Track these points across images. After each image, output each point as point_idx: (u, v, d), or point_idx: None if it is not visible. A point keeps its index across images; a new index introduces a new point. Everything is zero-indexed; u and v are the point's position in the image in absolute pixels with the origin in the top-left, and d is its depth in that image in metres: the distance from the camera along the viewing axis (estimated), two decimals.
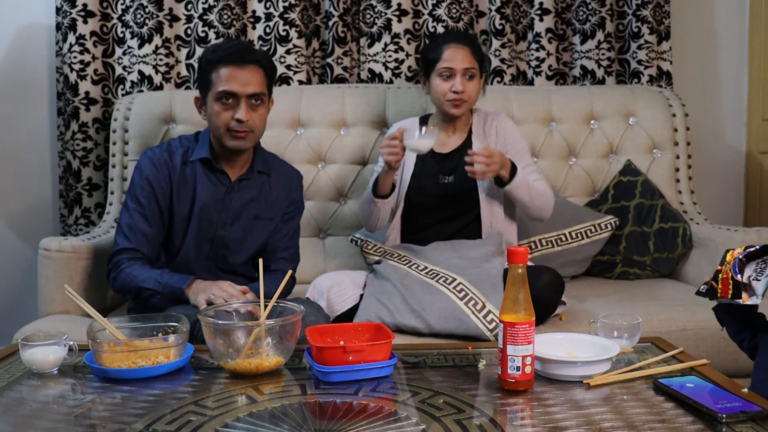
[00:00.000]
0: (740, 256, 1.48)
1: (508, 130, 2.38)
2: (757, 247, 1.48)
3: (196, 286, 1.92)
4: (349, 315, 2.08)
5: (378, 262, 2.24)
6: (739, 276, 1.47)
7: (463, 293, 2.03)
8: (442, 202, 2.34)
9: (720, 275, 1.51)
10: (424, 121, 2.43)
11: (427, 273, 2.12)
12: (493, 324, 1.94)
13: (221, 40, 2.84)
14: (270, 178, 2.14)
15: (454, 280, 2.08)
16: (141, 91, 2.84)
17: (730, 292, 1.48)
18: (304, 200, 2.27)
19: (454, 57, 2.28)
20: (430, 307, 2.02)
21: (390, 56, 2.93)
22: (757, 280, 1.46)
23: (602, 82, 3.03)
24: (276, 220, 2.15)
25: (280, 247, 2.15)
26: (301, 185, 2.24)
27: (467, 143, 2.36)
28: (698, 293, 1.60)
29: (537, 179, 2.31)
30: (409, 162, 2.36)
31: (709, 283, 1.56)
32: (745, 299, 1.46)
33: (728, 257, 1.52)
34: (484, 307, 1.99)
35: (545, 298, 2.00)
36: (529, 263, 2.14)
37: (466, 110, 2.34)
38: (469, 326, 1.97)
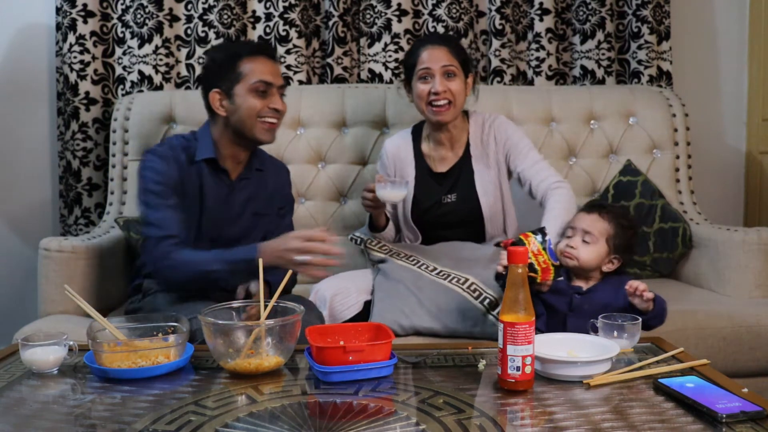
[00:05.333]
0: (549, 245, 1.78)
1: (507, 134, 2.31)
2: (539, 231, 1.81)
3: (266, 250, 1.83)
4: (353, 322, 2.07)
5: (382, 261, 2.23)
6: (557, 262, 1.80)
7: (477, 293, 2.03)
8: (446, 221, 2.31)
9: (536, 265, 1.78)
10: (417, 130, 2.40)
11: (438, 274, 2.11)
12: None
13: (221, 40, 2.85)
14: (264, 174, 2.16)
15: (467, 280, 2.07)
16: (141, 91, 2.84)
17: (552, 275, 1.79)
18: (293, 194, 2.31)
19: (431, 57, 2.22)
20: (446, 308, 2.02)
21: (390, 56, 2.93)
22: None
23: (602, 82, 3.03)
24: (272, 215, 2.16)
25: None
26: (290, 180, 2.28)
27: (466, 157, 2.33)
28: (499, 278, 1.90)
29: (553, 181, 2.19)
30: (409, 185, 2.30)
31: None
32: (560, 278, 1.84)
33: (528, 244, 1.78)
34: (498, 305, 1.99)
35: None
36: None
37: (453, 116, 2.26)
38: (485, 325, 1.97)
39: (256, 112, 2.01)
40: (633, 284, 1.77)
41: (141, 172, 2.03)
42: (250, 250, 1.86)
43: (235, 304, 1.69)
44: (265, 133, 2.04)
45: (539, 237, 1.78)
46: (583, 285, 1.89)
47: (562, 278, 1.85)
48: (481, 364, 1.54)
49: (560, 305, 1.84)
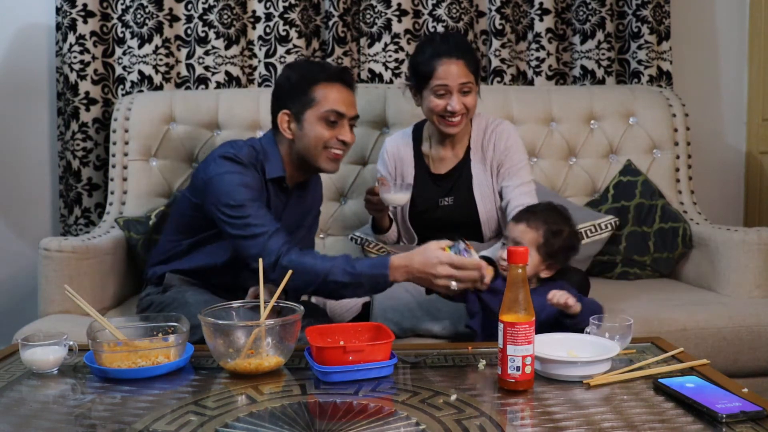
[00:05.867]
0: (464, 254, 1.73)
1: (508, 144, 2.28)
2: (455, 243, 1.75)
3: (402, 268, 1.73)
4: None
5: None
6: None
7: None
8: (443, 223, 2.30)
9: None
10: (417, 130, 2.39)
11: None
12: None
13: (221, 40, 2.85)
14: (308, 191, 2.17)
15: None
16: (141, 91, 2.84)
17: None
18: None
19: (449, 73, 2.16)
20: (445, 309, 2.02)
21: (390, 56, 2.93)
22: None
23: (602, 82, 3.03)
24: (305, 226, 2.18)
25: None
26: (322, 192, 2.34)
27: (466, 160, 2.32)
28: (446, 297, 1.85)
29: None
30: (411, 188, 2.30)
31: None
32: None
33: None
34: None
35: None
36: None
37: (463, 126, 2.25)
38: None
39: (323, 142, 1.95)
40: (551, 298, 1.74)
41: (221, 177, 1.90)
42: (380, 266, 1.74)
43: (236, 304, 1.69)
44: (329, 162, 1.99)
45: (453, 249, 1.71)
46: None
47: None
48: (481, 364, 1.54)
49: (494, 306, 1.80)
